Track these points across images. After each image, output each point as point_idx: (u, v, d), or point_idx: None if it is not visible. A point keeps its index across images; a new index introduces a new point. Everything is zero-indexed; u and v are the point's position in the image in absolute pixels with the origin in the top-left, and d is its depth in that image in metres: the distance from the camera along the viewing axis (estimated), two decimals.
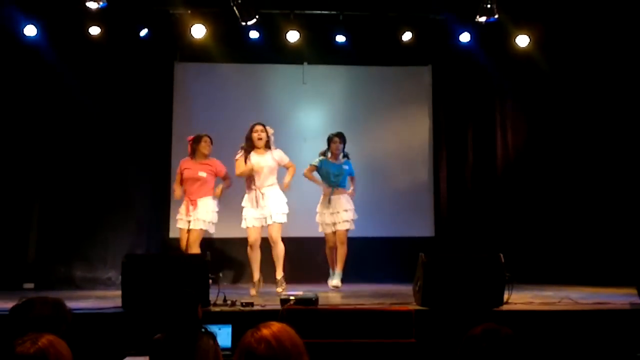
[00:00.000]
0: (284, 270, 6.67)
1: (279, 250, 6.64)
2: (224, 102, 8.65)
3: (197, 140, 6.84)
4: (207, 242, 7.00)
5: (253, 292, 6.45)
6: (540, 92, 8.71)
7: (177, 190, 6.91)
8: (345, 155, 7.32)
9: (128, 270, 5.11)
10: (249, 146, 6.72)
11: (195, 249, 6.63)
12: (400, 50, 8.55)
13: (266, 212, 6.59)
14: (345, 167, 7.25)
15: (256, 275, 6.62)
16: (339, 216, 7.04)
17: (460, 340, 2.16)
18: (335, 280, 7.00)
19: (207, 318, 4.59)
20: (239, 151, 6.76)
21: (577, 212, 8.33)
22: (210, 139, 6.91)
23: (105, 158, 8.20)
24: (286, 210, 6.67)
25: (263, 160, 6.66)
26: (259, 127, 6.75)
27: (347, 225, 7.04)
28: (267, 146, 6.76)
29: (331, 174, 7.14)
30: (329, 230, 7.08)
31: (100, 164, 8.19)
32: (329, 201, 7.08)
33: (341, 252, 7.03)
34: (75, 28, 7.90)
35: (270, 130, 6.81)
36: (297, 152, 7.78)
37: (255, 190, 6.62)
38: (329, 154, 7.26)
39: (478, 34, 8.22)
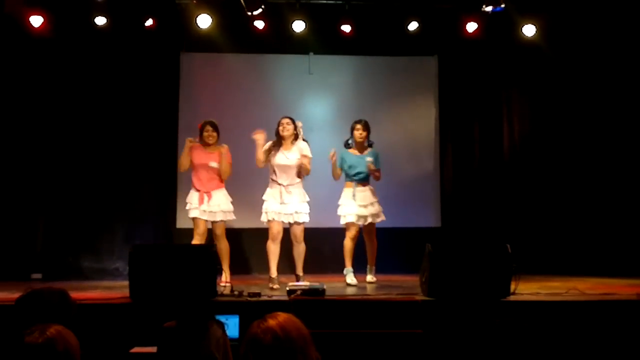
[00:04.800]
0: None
1: (302, 249, 6.67)
2: (229, 92, 8.65)
3: (200, 131, 6.78)
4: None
5: (276, 285, 6.35)
6: (547, 82, 8.67)
7: (183, 162, 6.74)
8: (370, 145, 7.08)
9: (135, 261, 5.12)
10: (278, 141, 6.70)
11: (224, 241, 6.63)
12: (407, 40, 8.51)
13: (289, 209, 6.57)
14: (369, 159, 6.91)
15: (274, 271, 6.55)
16: (371, 209, 6.89)
17: (475, 331, 2.16)
18: (370, 276, 6.94)
19: (214, 308, 4.62)
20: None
21: (584, 202, 8.32)
22: (213, 125, 6.74)
23: (112, 149, 8.22)
24: (308, 209, 6.66)
25: (289, 158, 6.62)
26: (284, 120, 6.70)
27: (375, 219, 6.91)
28: (296, 139, 6.72)
29: (351, 168, 6.94)
30: (355, 220, 6.85)
31: (107, 154, 8.21)
32: (354, 195, 6.88)
33: (371, 246, 6.99)
34: (81, 18, 7.90)
35: (299, 124, 6.76)
36: None
37: (280, 187, 6.60)
38: (353, 144, 7.05)
39: (485, 24, 8.17)
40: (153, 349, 3.60)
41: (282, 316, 2.06)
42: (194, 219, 6.64)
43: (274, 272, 6.54)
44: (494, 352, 2.21)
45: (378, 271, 7.04)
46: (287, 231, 6.71)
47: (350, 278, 6.82)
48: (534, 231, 8.33)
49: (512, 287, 5.24)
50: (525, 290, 5.53)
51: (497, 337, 2.22)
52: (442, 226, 8.67)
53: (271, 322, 2.02)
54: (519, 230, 8.19)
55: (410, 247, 7.49)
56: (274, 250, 6.60)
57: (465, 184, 8.76)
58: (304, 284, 5.62)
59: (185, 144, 6.74)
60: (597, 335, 4.79)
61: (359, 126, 7.00)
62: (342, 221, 6.96)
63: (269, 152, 6.66)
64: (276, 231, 6.59)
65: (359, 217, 6.87)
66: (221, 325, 3.54)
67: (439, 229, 8.63)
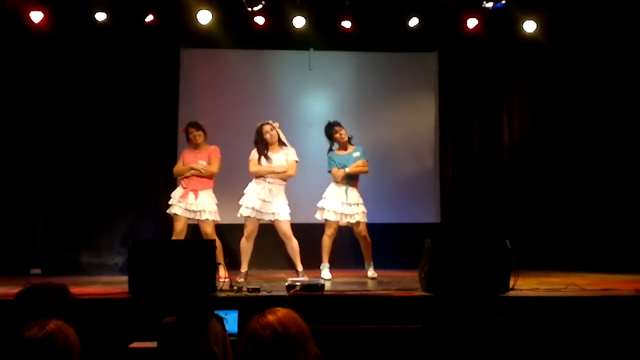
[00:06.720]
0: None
1: (294, 245, 6.64)
2: (229, 88, 8.64)
3: (186, 134, 6.86)
4: (196, 228, 7.01)
5: (241, 279, 6.34)
6: (548, 78, 8.67)
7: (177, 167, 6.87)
8: (350, 139, 7.08)
9: (134, 256, 5.12)
10: (265, 146, 6.68)
11: (216, 239, 6.61)
12: (407, 36, 8.51)
13: (270, 208, 6.56)
14: (356, 154, 6.98)
15: (245, 266, 6.60)
16: (357, 208, 6.89)
17: (474, 326, 2.17)
18: (370, 271, 6.95)
19: (214, 304, 4.62)
20: (253, 151, 6.73)
21: (583, 198, 8.32)
22: (195, 126, 6.83)
23: (111, 144, 8.22)
24: (289, 210, 6.65)
25: (277, 159, 6.65)
26: (267, 127, 6.68)
27: (363, 218, 6.91)
28: (281, 143, 6.73)
29: (341, 167, 6.92)
30: (334, 218, 6.88)
31: (107, 150, 8.21)
32: (345, 193, 6.88)
33: (366, 245, 7.00)
34: (82, 14, 7.89)
35: (276, 124, 6.75)
36: (302, 138, 7.76)
37: (266, 183, 6.59)
38: (336, 146, 7.06)
39: (485, 20, 8.16)
40: (152, 344, 3.60)
41: (281, 311, 2.06)
42: (174, 215, 6.69)
43: (244, 267, 6.59)
44: (493, 348, 2.22)
45: (377, 267, 7.04)
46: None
47: (326, 273, 6.86)
48: (533, 227, 8.34)
49: (511, 282, 5.23)
50: (525, 285, 5.53)
51: (496, 333, 2.22)
52: (441, 222, 8.68)
53: (270, 318, 2.02)
54: (519, 226, 8.20)
55: (409, 242, 7.50)
56: (246, 248, 6.63)
57: (465, 179, 8.76)
58: (303, 279, 5.62)
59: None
60: (596, 331, 4.79)
61: (337, 128, 6.99)
62: (322, 215, 6.94)
63: (258, 160, 6.67)
64: (251, 229, 6.60)
65: (343, 215, 6.87)
66: (220, 320, 3.55)
67: (438, 224, 8.64)
